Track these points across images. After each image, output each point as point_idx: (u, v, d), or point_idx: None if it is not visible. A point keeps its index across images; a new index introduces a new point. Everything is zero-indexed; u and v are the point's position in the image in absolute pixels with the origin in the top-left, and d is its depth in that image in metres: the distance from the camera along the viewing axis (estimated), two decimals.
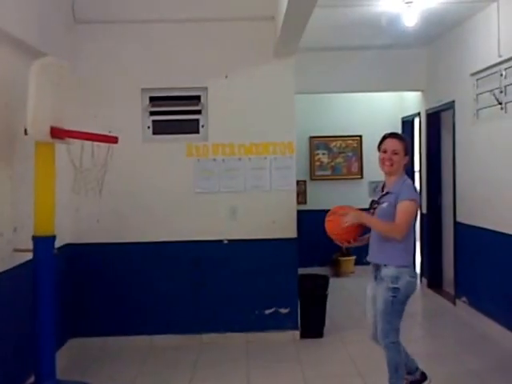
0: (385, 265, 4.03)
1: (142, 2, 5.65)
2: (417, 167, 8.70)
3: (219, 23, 5.67)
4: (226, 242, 5.77)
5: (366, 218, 4.03)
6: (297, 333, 5.81)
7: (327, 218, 4.19)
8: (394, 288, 3.99)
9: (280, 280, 5.79)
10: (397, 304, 4.01)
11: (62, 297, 4.91)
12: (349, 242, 4.18)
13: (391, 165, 4.06)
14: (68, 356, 5.26)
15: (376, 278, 4.11)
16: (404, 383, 4.13)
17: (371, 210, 4.15)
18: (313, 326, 5.82)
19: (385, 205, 4.03)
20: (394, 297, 3.99)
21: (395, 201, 3.97)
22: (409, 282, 4.03)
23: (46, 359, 4.12)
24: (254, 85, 5.75)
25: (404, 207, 3.92)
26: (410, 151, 4.15)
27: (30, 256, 4.12)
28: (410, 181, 4.16)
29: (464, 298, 6.64)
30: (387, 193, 4.08)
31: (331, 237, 4.17)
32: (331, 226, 4.14)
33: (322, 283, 6.00)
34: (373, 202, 4.19)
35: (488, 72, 5.97)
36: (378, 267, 4.10)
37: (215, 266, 5.77)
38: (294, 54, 5.71)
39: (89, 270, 5.66)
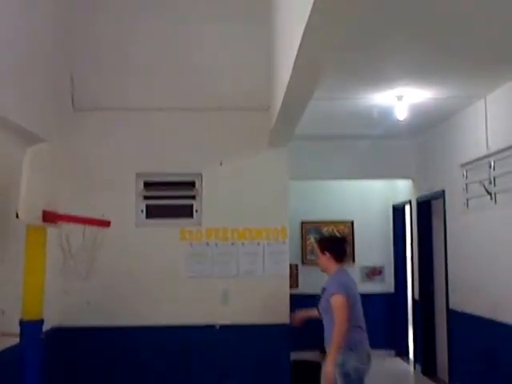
0: None
1: (138, 91, 5.81)
2: (408, 253, 8.75)
3: (214, 112, 5.81)
4: (218, 327, 5.69)
5: (331, 356, 4.35)
6: None
7: None
8: (344, 373, 4.32)
9: (273, 366, 5.67)
10: None
11: (47, 381, 4.76)
12: None
13: (319, 265, 4.78)
14: None
15: None
16: None
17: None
18: None
19: (322, 301, 4.61)
20: (347, 380, 4.31)
21: (327, 297, 4.50)
22: (357, 367, 4.37)
23: None
24: (248, 172, 5.84)
25: (333, 303, 4.42)
26: (329, 247, 4.69)
27: (16, 340, 4.02)
28: (341, 277, 4.62)
29: None
30: (324, 288, 4.66)
31: None
32: None
33: (314, 370, 5.90)
34: (322, 289, 4.70)
35: (477, 163, 6.11)
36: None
37: (207, 351, 5.65)
38: (289, 142, 5.85)
39: (76, 354, 5.52)
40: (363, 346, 4.52)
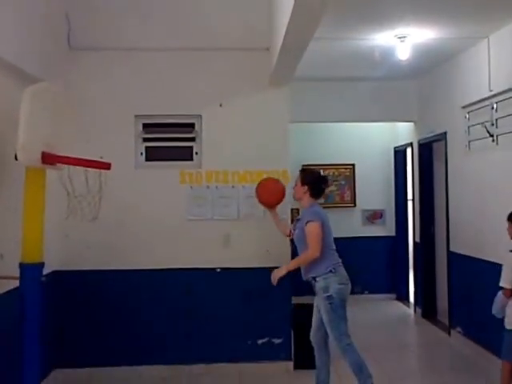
0: (314, 278, 4.64)
1: (137, 30, 5.69)
2: (410, 196, 8.75)
3: (214, 52, 5.72)
4: (218, 270, 5.72)
5: (288, 266, 4.78)
6: (290, 364, 5.74)
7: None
8: (328, 296, 4.57)
9: (273, 309, 5.73)
10: (336, 309, 4.56)
11: (47, 325, 4.80)
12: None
13: (294, 193, 4.95)
14: None
15: (315, 293, 4.70)
16: (372, 381, 4.48)
17: (292, 232, 4.96)
18: (306, 357, 5.72)
19: (296, 231, 4.80)
20: (330, 304, 4.56)
21: (302, 225, 4.69)
22: (339, 288, 4.60)
23: None
24: (248, 113, 5.78)
25: (308, 230, 4.62)
26: (310, 181, 4.82)
27: (16, 283, 4.00)
28: (315, 208, 4.79)
29: (459, 329, 6.61)
30: (298, 219, 4.89)
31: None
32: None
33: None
34: (296, 220, 4.95)
35: (479, 105, 6.02)
36: (312, 283, 4.69)
37: (207, 295, 5.71)
38: (289, 83, 5.75)
39: (76, 297, 5.58)
40: (342, 268, 4.71)
